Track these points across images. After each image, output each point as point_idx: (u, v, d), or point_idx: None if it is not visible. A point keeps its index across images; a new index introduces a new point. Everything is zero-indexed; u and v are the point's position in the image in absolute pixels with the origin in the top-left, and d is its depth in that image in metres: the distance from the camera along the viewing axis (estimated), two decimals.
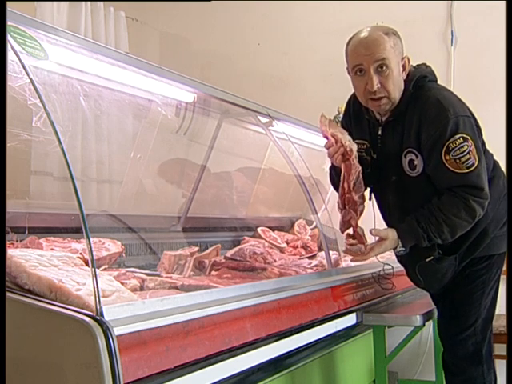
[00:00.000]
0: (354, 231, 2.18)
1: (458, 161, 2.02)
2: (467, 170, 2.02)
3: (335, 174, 2.28)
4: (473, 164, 2.02)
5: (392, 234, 2.12)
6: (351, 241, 2.16)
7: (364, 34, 2.08)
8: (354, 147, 2.16)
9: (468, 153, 2.01)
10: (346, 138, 2.15)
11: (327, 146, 2.16)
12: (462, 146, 2.01)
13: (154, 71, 2.26)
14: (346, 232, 2.20)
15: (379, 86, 2.06)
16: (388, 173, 2.23)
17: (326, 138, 2.16)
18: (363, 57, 2.05)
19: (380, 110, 2.16)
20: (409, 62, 2.13)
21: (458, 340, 2.25)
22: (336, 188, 2.28)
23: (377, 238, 2.16)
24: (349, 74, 2.16)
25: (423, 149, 2.08)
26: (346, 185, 2.17)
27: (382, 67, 2.05)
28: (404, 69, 2.12)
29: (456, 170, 2.03)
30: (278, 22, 4.67)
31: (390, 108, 2.14)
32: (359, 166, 2.16)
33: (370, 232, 2.14)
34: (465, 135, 2.02)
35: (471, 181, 2.04)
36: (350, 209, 2.17)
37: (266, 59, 4.67)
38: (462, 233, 2.11)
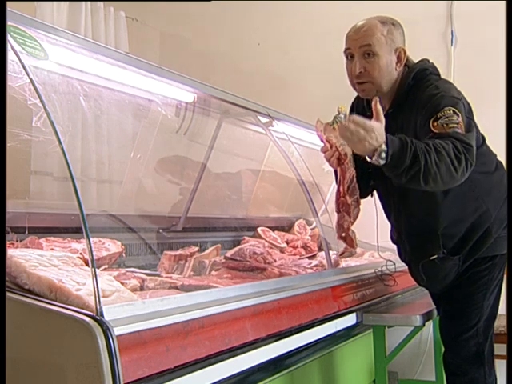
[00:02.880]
0: (346, 234, 2.20)
1: (445, 125, 1.93)
2: (452, 131, 1.92)
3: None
4: (460, 132, 1.93)
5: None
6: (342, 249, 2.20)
7: (359, 22, 2.12)
8: (349, 151, 2.18)
9: (456, 123, 1.93)
10: (340, 142, 2.16)
11: (323, 151, 2.19)
12: (451, 116, 1.94)
13: (154, 71, 2.26)
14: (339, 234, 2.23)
15: (362, 70, 2.08)
16: None
17: (322, 142, 2.18)
18: (352, 41, 2.10)
19: (365, 95, 2.17)
20: (405, 53, 2.13)
21: (459, 341, 2.25)
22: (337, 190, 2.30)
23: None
24: None
25: (419, 130, 2.03)
26: (341, 188, 2.20)
27: (368, 53, 2.07)
28: (399, 60, 2.12)
29: (441, 131, 1.93)
30: (278, 22, 4.67)
31: (377, 94, 2.12)
32: (353, 170, 2.19)
33: (372, 104, 1.92)
34: (456, 111, 1.96)
35: (458, 136, 1.91)
36: (343, 212, 2.20)
37: (266, 59, 4.67)
38: (444, 174, 1.87)
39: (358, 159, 2.26)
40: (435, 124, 1.95)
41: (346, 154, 2.17)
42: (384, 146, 1.83)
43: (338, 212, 2.22)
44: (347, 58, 2.13)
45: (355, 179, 2.20)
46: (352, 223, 2.23)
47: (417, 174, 1.86)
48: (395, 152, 1.84)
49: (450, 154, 1.86)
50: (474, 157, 1.92)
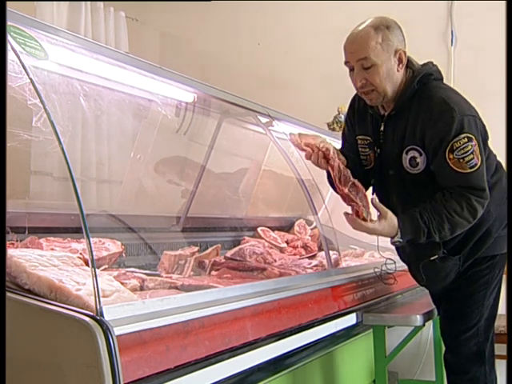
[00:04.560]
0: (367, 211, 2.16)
1: (461, 160, 2.02)
2: (470, 170, 2.03)
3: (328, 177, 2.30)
4: (476, 164, 2.03)
5: (392, 216, 2.09)
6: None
7: (354, 31, 2.11)
8: (330, 146, 2.15)
9: (472, 153, 2.02)
10: (318, 141, 2.14)
11: (307, 157, 2.17)
12: (466, 146, 2.02)
13: (154, 71, 2.26)
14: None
15: (364, 82, 2.09)
16: (387, 168, 2.23)
17: (303, 150, 2.16)
18: (349, 54, 2.10)
19: (373, 103, 2.18)
20: (405, 54, 2.12)
21: (460, 340, 2.26)
22: (334, 189, 2.29)
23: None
24: None
25: (428, 148, 2.09)
26: (337, 183, 2.17)
27: (365, 65, 2.07)
28: (400, 62, 2.11)
29: (459, 170, 2.04)
30: (278, 22, 4.67)
31: (384, 100, 2.15)
32: (338, 160, 2.14)
33: (372, 201, 2.12)
34: (469, 135, 2.03)
35: (473, 182, 2.05)
36: (350, 203, 2.16)
37: (266, 59, 4.67)
38: (460, 231, 2.12)
39: (352, 161, 2.25)
40: (451, 156, 2.04)
41: (327, 149, 2.12)
42: (398, 237, 2.10)
43: (349, 205, 2.19)
44: (349, 69, 2.13)
45: (342, 167, 2.15)
46: (366, 207, 2.14)
47: (434, 240, 2.11)
48: (409, 236, 2.10)
49: (463, 215, 2.07)
50: (488, 194, 2.09)
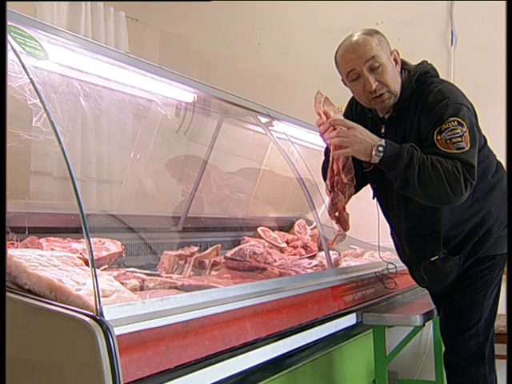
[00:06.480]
0: (340, 214, 2.15)
1: (448, 141, 1.97)
2: (456, 151, 1.97)
3: (326, 159, 2.27)
4: (463, 147, 1.97)
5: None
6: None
7: (348, 41, 2.10)
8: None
9: (460, 136, 1.97)
10: (339, 118, 2.09)
11: (318, 124, 2.13)
12: (455, 129, 1.98)
13: (154, 71, 2.26)
14: (333, 214, 2.20)
15: (377, 83, 2.07)
16: None
17: (319, 115, 2.13)
18: (353, 61, 2.07)
19: (385, 107, 2.15)
20: (398, 54, 2.14)
21: (460, 340, 2.25)
22: (325, 175, 2.27)
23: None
24: (345, 84, 2.16)
25: (422, 136, 2.06)
26: (335, 166, 2.13)
27: (374, 66, 2.06)
28: (396, 62, 2.13)
29: (445, 150, 1.97)
30: (278, 22, 4.67)
31: (394, 102, 2.14)
32: None
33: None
34: (461, 120, 1.99)
35: (461, 158, 1.97)
36: (338, 191, 2.14)
37: (266, 59, 4.67)
38: (437, 197, 1.98)
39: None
40: (439, 137, 1.99)
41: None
42: (382, 142, 1.98)
43: (332, 191, 2.17)
44: (351, 80, 2.10)
45: (350, 157, 2.14)
46: (346, 203, 2.17)
47: (411, 178, 1.95)
48: (394, 149, 1.98)
49: (446, 172, 1.94)
50: (476, 175, 1.98)
